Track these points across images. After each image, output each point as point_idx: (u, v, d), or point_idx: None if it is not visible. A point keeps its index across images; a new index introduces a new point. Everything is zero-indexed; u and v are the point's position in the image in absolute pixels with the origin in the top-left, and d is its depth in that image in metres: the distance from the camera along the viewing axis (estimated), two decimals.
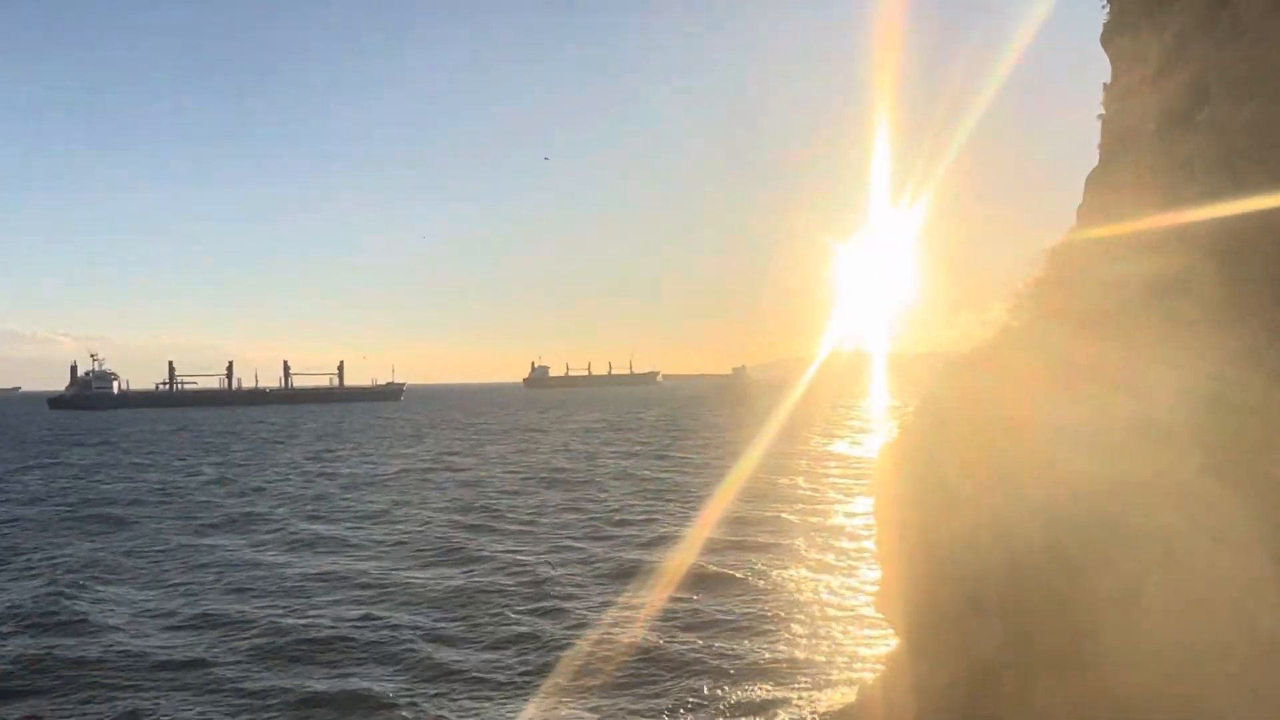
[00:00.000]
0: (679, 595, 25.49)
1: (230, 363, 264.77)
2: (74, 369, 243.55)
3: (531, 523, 39.07)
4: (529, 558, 31.46)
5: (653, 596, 25.57)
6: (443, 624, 23.47)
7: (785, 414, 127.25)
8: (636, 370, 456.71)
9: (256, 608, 25.37)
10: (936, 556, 11.98)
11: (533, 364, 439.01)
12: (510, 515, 40.86)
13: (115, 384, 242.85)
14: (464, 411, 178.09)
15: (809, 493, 45.50)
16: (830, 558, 30.14)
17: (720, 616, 23.24)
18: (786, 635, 21.91)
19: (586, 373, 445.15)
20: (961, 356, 13.21)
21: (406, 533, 37.22)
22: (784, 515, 38.01)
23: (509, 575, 28.77)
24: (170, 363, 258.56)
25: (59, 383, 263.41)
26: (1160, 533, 9.12)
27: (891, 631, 16.55)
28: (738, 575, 27.57)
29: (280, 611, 24.81)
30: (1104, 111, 13.40)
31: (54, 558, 32.95)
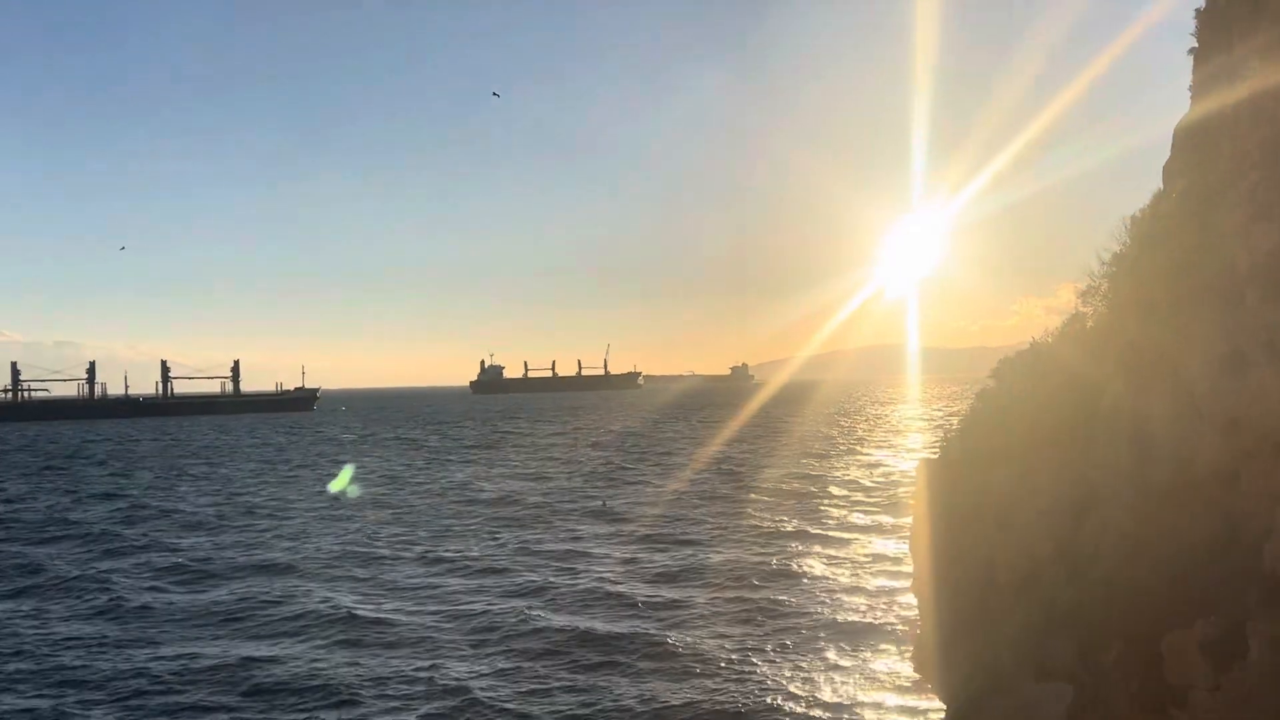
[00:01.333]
0: None
1: (92, 364, 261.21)
2: None
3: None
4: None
5: None
6: None
7: (803, 421, 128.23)
8: (613, 370, 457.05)
9: None
10: (987, 599, 11.96)
11: (482, 363, 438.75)
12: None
13: None
14: (387, 423, 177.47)
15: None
16: (859, 600, 30.42)
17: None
18: (810, 700, 22.07)
19: (550, 373, 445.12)
20: (1019, 350, 13.20)
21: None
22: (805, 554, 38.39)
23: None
24: (14, 364, 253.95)
25: None
26: None
27: (935, 699, 16.57)
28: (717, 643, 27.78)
29: None
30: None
31: None
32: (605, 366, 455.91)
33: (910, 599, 24.18)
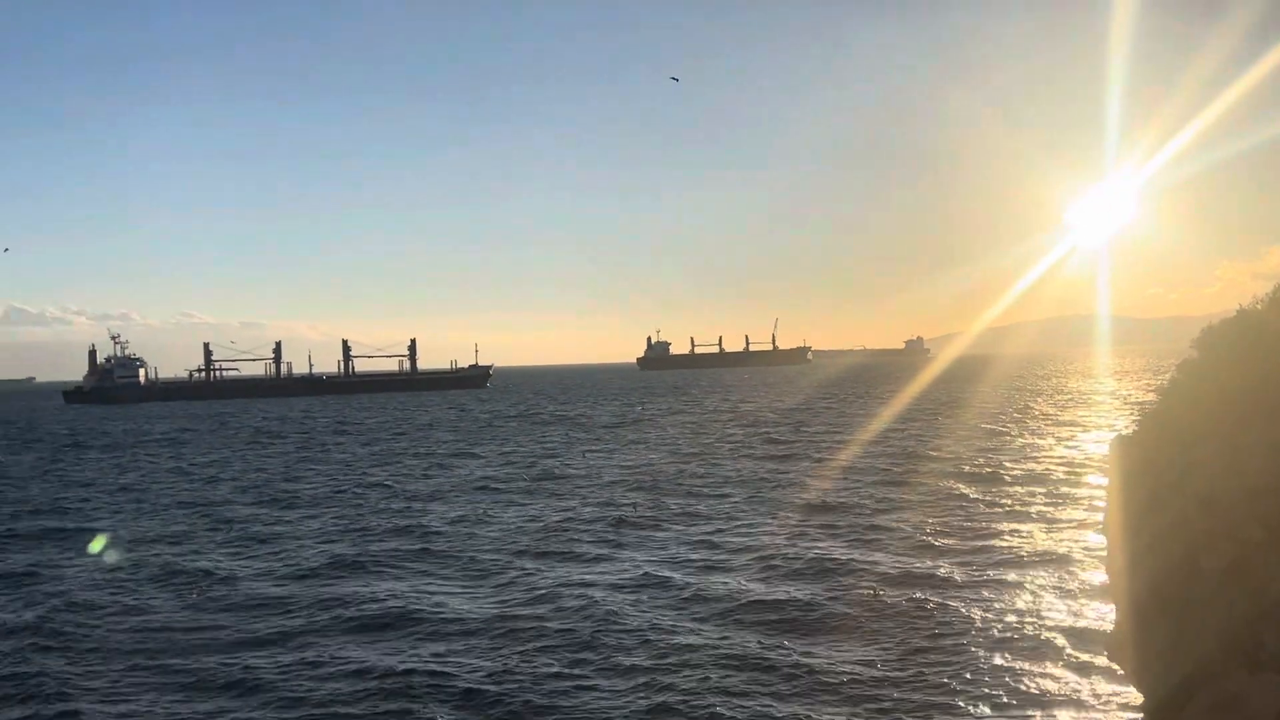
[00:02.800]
0: None
1: (278, 345, 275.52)
2: (92, 355, 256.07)
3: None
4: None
5: None
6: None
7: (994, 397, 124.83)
8: (781, 345, 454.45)
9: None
10: (1189, 585, 11.40)
11: (649, 340, 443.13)
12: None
13: (141, 372, 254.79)
14: (560, 400, 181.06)
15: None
16: (1046, 584, 29.69)
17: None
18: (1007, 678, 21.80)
19: (717, 349, 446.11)
20: (1223, 318, 12.50)
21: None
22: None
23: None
24: (206, 345, 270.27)
25: (76, 371, 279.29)
26: None
27: (1132, 688, 16.01)
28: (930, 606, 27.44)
29: None
30: None
31: None
32: (773, 341, 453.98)
33: (1102, 583, 23.38)
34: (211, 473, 72.67)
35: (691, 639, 26.15)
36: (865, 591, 29.76)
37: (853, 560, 34.24)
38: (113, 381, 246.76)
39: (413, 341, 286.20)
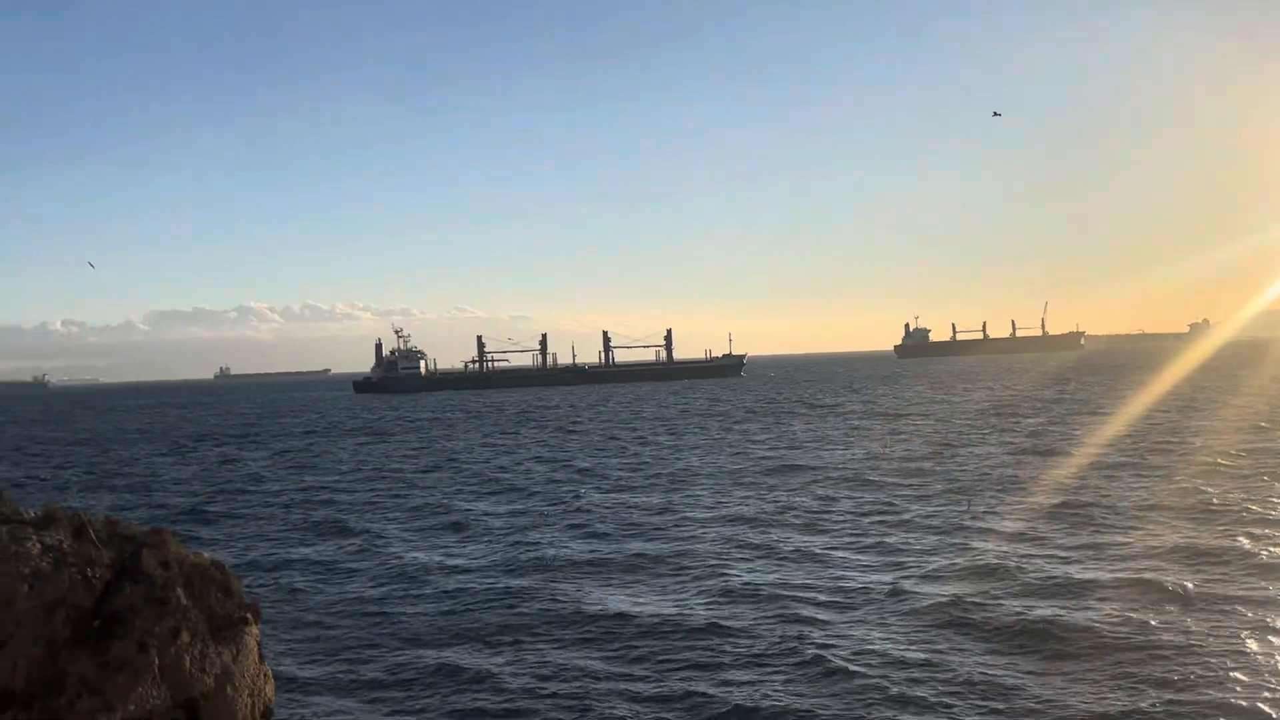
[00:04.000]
0: None
1: (544, 336, 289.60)
2: (379, 348, 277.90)
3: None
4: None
5: None
6: None
7: None
8: (1051, 330, 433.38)
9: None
10: None
11: (907, 326, 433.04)
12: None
13: (422, 364, 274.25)
14: (814, 388, 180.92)
15: None
16: None
17: None
18: None
19: (980, 335, 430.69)
20: None
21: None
22: None
23: None
24: (479, 338, 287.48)
25: (364, 363, 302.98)
26: None
27: None
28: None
29: None
30: None
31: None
32: (1042, 326, 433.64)
33: None
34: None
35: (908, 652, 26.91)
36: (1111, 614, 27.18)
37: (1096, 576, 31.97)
38: (396, 373, 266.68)
39: (668, 331, 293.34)
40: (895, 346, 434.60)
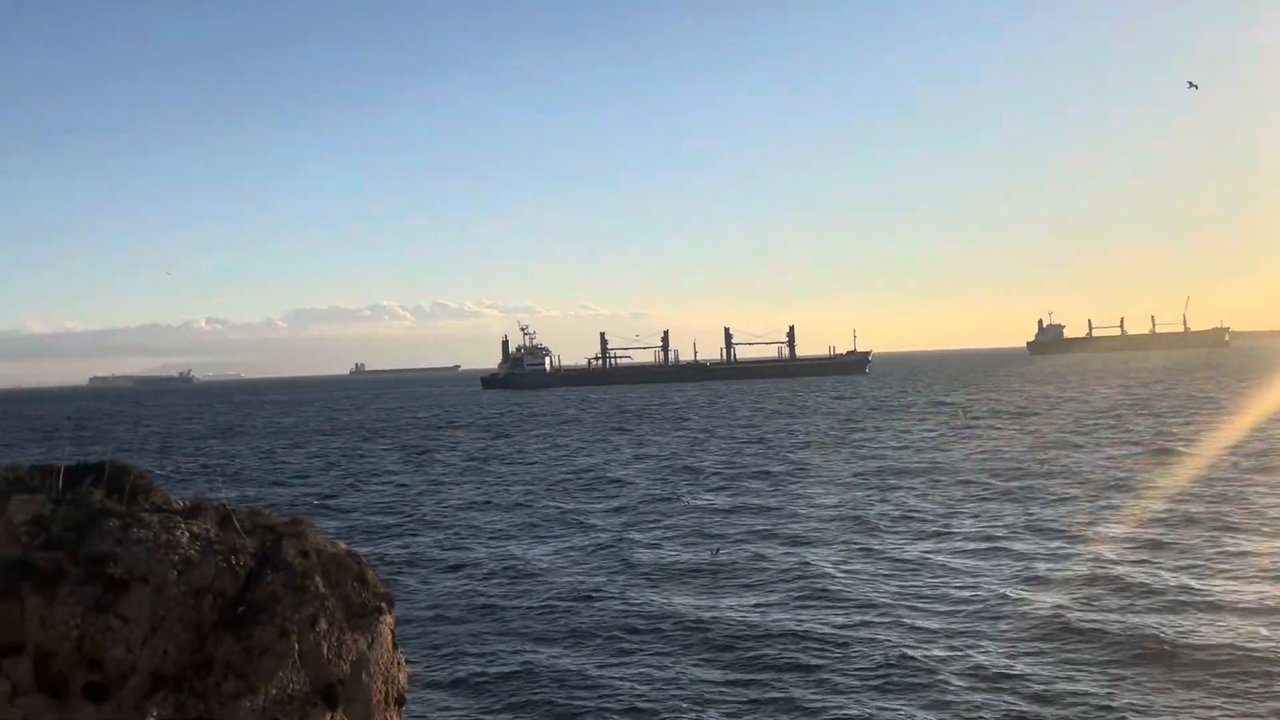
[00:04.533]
0: None
1: (665, 333, 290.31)
2: (505, 345, 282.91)
3: None
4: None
5: None
6: None
7: None
8: (1193, 326, 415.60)
9: None
10: None
11: (1040, 322, 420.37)
12: None
13: (547, 360, 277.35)
14: (942, 386, 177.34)
15: None
16: None
17: None
18: None
19: (1118, 331, 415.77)
20: None
21: None
22: None
23: None
24: (602, 335, 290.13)
25: (490, 359, 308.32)
26: None
27: None
28: None
29: None
30: None
31: None
32: (1184, 322, 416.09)
33: None
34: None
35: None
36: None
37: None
38: (522, 369, 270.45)
39: (791, 328, 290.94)
40: (1028, 343, 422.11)
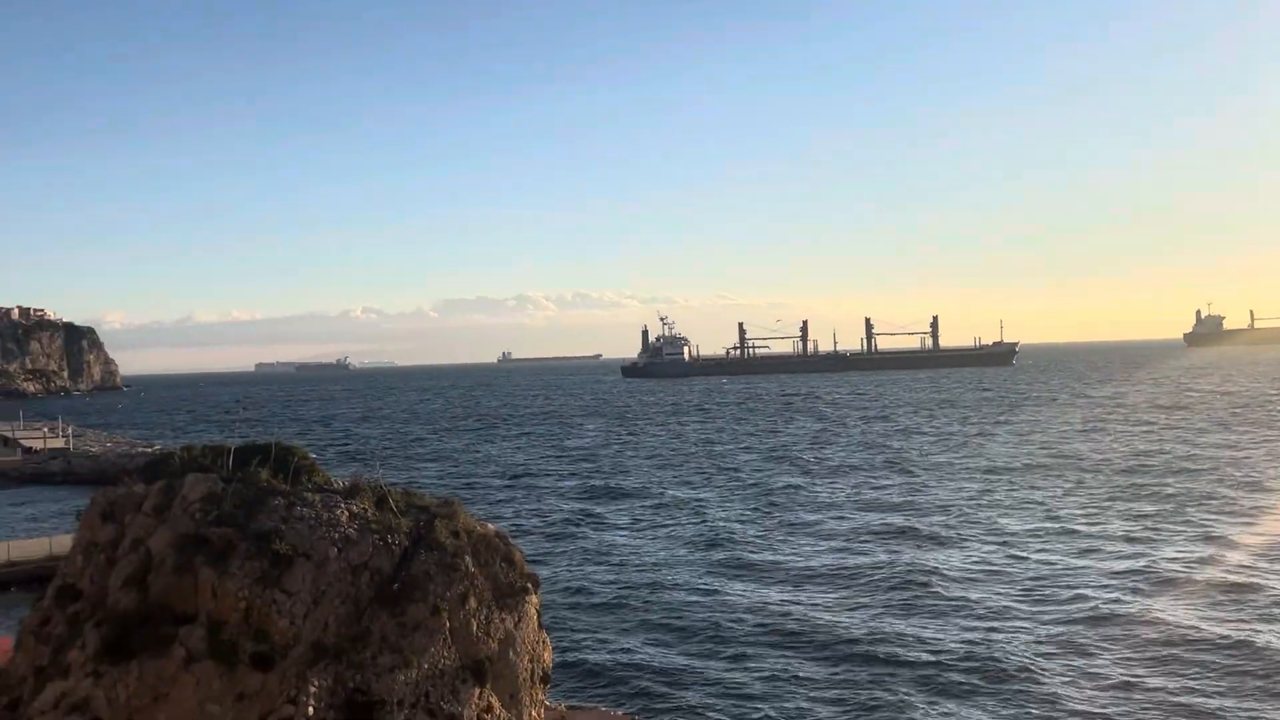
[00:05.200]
0: None
1: (804, 323, 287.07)
2: (645, 335, 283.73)
3: None
4: None
5: None
6: None
7: None
8: None
9: None
10: None
11: (1198, 313, 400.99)
12: None
13: (685, 350, 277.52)
14: (1091, 378, 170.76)
15: None
16: None
17: None
18: None
19: None
20: None
21: None
22: None
23: None
24: (740, 325, 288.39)
25: (630, 348, 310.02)
26: None
27: None
28: None
29: None
30: None
31: None
32: None
33: None
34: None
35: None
36: None
37: None
38: (661, 359, 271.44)
39: (934, 318, 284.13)
40: (1184, 335, 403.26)
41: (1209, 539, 36.75)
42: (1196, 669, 23.12)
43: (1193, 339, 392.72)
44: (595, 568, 35.99)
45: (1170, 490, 48.30)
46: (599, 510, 48.75)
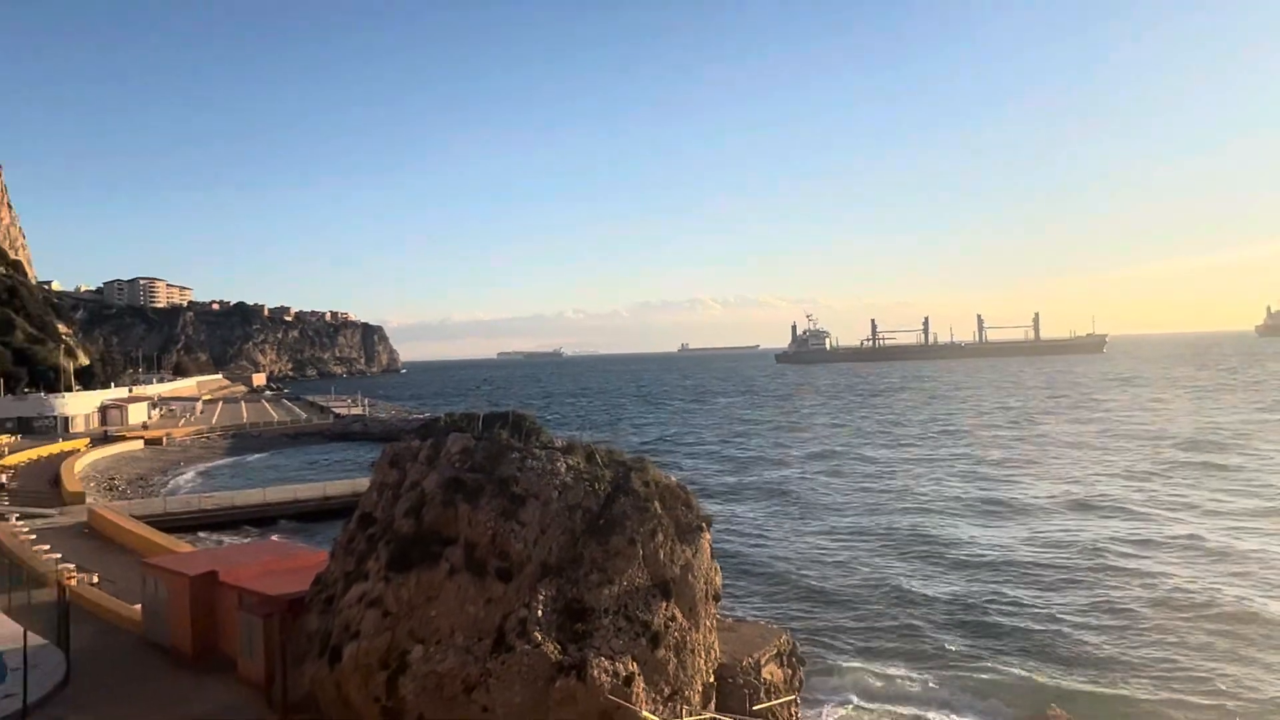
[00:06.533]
0: None
1: (925, 319, 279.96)
2: (794, 329, 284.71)
3: None
4: None
5: None
6: None
7: None
8: None
9: None
10: None
11: (1268, 309, 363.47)
12: None
13: (826, 341, 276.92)
14: (1171, 366, 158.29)
15: None
16: None
17: None
18: None
19: None
20: None
21: None
22: None
23: None
24: (872, 320, 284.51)
25: (781, 340, 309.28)
26: None
27: None
28: None
29: None
30: None
31: None
32: None
33: None
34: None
35: None
36: None
37: None
38: (807, 348, 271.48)
39: (1036, 315, 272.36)
40: (1255, 326, 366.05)
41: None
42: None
43: (1264, 329, 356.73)
44: (771, 516, 35.48)
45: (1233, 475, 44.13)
46: (780, 473, 47.52)
